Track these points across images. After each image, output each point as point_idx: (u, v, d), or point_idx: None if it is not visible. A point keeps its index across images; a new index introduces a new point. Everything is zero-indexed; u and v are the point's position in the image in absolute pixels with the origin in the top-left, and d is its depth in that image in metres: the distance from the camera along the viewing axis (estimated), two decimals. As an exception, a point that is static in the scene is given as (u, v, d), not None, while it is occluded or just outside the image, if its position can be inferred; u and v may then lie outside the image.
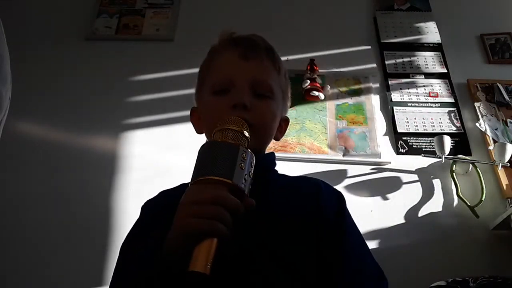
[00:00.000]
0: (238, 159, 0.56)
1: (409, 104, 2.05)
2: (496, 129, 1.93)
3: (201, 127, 0.83)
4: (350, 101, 2.06)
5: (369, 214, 1.70)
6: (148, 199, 0.83)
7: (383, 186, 1.80)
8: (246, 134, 0.62)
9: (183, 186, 0.68)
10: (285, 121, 0.87)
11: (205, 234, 0.52)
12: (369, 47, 2.25)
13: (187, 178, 0.60)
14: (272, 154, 0.83)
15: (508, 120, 1.96)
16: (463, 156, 1.84)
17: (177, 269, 0.53)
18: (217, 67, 0.81)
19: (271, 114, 0.78)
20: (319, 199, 0.73)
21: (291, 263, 0.64)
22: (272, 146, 1.90)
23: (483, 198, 1.72)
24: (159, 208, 0.75)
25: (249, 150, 0.59)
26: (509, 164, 1.76)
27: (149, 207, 0.81)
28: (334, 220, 0.71)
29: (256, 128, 0.70)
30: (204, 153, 0.59)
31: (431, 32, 2.29)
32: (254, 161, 0.59)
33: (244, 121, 0.64)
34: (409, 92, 2.09)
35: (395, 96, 2.08)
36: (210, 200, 0.54)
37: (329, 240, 0.68)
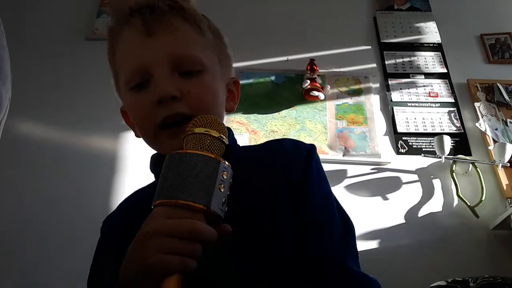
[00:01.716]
0: (218, 179, 0.47)
1: (409, 104, 2.05)
2: (496, 129, 1.93)
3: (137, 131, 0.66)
4: (350, 101, 2.06)
5: (369, 214, 1.70)
6: (107, 215, 0.69)
7: (383, 186, 1.80)
8: (225, 140, 0.52)
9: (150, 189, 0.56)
10: (235, 84, 0.70)
11: (177, 271, 0.45)
12: (369, 47, 2.25)
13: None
14: (229, 131, 0.62)
15: (508, 120, 1.96)
16: (463, 156, 1.84)
17: None
18: (122, 54, 0.63)
19: (210, 91, 0.61)
20: (283, 165, 0.61)
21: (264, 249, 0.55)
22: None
23: (483, 198, 1.72)
24: (118, 227, 0.63)
25: (228, 164, 0.49)
26: (509, 164, 1.76)
27: (107, 227, 0.68)
28: (299, 184, 0.59)
29: (198, 115, 0.54)
30: (174, 168, 0.48)
31: (431, 32, 2.29)
32: (232, 176, 0.50)
33: (222, 123, 0.53)
34: (409, 92, 2.09)
35: (395, 96, 2.08)
36: (184, 234, 0.45)
37: (295, 207, 0.57)
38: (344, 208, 0.63)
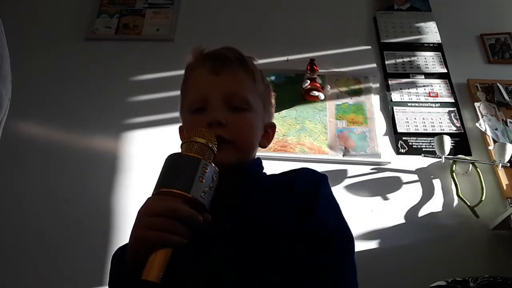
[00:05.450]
0: (198, 172, 0.58)
1: (409, 104, 2.05)
2: (496, 129, 1.93)
3: None
4: (350, 101, 2.06)
5: (369, 214, 1.70)
6: None
7: (383, 186, 1.80)
8: (212, 146, 0.63)
9: None
10: (271, 127, 0.86)
11: (157, 245, 0.54)
12: (369, 47, 2.25)
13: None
14: (256, 161, 0.81)
15: (508, 120, 1.96)
16: (463, 156, 1.84)
17: (133, 274, 0.56)
18: (191, 86, 0.82)
19: (249, 126, 0.77)
20: (293, 190, 0.72)
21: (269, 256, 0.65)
22: (272, 146, 1.90)
23: (483, 198, 1.72)
24: None
25: (212, 164, 0.60)
26: (509, 164, 1.76)
27: None
28: (307, 205, 0.70)
29: (234, 142, 0.72)
30: (166, 165, 0.61)
31: (431, 32, 2.29)
32: (217, 174, 0.61)
33: (212, 134, 0.65)
34: (409, 92, 2.09)
35: (395, 96, 2.08)
36: (163, 212, 0.56)
37: (302, 219, 0.68)
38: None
